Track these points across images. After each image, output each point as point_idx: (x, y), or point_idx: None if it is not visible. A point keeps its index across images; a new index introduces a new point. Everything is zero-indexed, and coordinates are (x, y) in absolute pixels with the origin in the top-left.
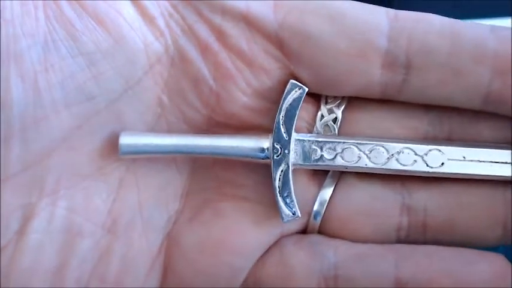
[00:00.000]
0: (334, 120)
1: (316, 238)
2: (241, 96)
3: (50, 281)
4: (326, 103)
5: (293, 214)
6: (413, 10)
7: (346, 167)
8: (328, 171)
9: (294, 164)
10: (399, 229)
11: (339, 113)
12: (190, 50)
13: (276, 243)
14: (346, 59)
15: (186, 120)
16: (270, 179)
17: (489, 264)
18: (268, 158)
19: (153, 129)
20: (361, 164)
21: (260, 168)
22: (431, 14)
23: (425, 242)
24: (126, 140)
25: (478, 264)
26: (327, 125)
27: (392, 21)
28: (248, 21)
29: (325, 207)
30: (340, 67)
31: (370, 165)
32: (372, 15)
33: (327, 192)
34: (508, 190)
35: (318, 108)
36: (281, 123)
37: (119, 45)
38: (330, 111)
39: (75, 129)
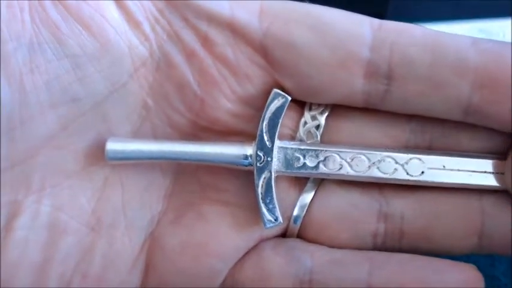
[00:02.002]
0: (317, 127)
1: (294, 243)
2: (225, 102)
3: (34, 276)
4: (310, 110)
5: (275, 220)
6: (414, 11)
7: (328, 175)
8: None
9: (276, 171)
10: (375, 235)
11: (322, 120)
12: (176, 55)
13: (255, 246)
14: (328, 69)
15: (171, 123)
16: (252, 185)
17: (460, 273)
18: (251, 165)
19: (138, 132)
20: (343, 171)
21: (242, 174)
22: (415, 25)
23: (401, 249)
24: (113, 145)
25: (449, 274)
26: (310, 131)
27: (376, 32)
28: (233, 29)
29: (304, 212)
30: (322, 76)
31: (352, 173)
32: (355, 25)
33: (307, 198)
34: (483, 199)
35: (302, 114)
36: (264, 131)
37: (104, 48)
38: (313, 118)
39: (60, 129)
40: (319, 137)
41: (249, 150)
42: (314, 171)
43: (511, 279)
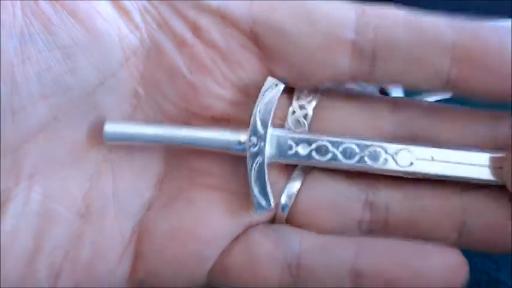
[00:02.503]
0: (305, 116)
1: (282, 228)
2: (217, 88)
3: (24, 263)
4: (298, 99)
5: (266, 205)
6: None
7: (320, 163)
8: (297, 164)
9: (269, 158)
10: (361, 223)
11: (309, 110)
12: (166, 43)
13: (244, 232)
14: (316, 52)
15: (162, 111)
16: (241, 170)
17: (445, 257)
18: (244, 150)
19: (130, 120)
20: (334, 160)
21: (232, 159)
22: (396, 9)
23: (386, 237)
24: (111, 127)
25: (434, 258)
26: (298, 120)
27: (360, 16)
28: (223, 16)
29: (292, 200)
30: (311, 59)
31: (343, 162)
32: (340, 10)
33: (295, 186)
34: (465, 194)
35: (290, 104)
36: (258, 117)
37: (94, 39)
38: (301, 108)
39: (52, 119)
40: (307, 126)
41: (243, 136)
42: (306, 159)
43: None
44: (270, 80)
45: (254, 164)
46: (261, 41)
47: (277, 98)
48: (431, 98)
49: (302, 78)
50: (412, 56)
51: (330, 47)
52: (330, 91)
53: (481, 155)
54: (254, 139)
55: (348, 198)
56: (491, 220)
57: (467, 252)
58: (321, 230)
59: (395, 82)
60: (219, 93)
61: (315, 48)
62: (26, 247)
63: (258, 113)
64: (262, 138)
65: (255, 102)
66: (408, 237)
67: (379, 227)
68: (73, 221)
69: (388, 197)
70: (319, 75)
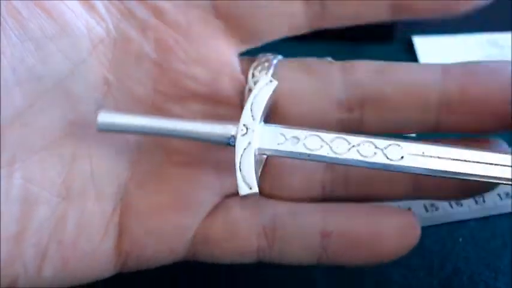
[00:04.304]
0: None
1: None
2: (183, 66)
3: (10, 245)
4: (253, 77)
5: (252, 192)
6: (422, 23)
7: (309, 155)
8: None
9: (258, 149)
10: (324, 184)
11: None
12: (131, 30)
13: (222, 203)
14: (271, 6)
15: (133, 95)
16: (212, 147)
17: (400, 217)
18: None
19: (102, 106)
20: (322, 152)
21: None
22: None
23: (348, 197)
24: (104, 117)
25: (389, 217)
26: None
27: None
28: None
29: (260, 169)
30: (268, 15)
31: (332, 154)
32: None
33: (263, 157)
34: None
35: (246, 82)
36: (249, 108)
37: (63, 30)
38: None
39: (27, 107)
40: None
41: (234, 129)
42: (294, 150)
43: None
44: (265, 79)
45: (241, 150)
46: (220, 13)
47: (270, 92)
48: None
49: (263, 33)
50: None
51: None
52: (282, 62)
53: (464, 151)
54: (244, 129)
55: (309, 162)
56: None
57: (465, 261)
58: (289, 193)
59: (345, 20)
60: (185, 71)
61: (269, 3)
62: (12, 230)
63: (250, 106)
64: (252, 129)
65: (223, 77)
66: (368, 193)
67: (341, 187)
68: (55, 203)
69: None
70: (278, 27)
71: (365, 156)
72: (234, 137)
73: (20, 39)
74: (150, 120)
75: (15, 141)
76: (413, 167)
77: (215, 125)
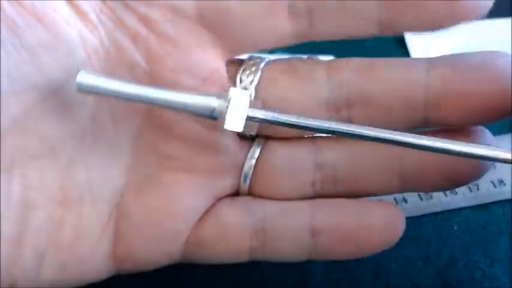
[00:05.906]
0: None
1: (246, 198)
2: (170, 74)
3: (10, 249)
4: (241, 82)
5: (236, 127)
6: None
7: (296, 122)
8: (255, 138)
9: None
10: (314, 183)
11: (252, 90)
12: (123, 39)
13: (213, 206)
14: (258, 21)
15: (126, 103)
16: (205, 152)
17: (384, 209)
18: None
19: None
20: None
21: (195, 144)
22: None
23: (338, 193)
24: (84, 77)
25: (375, 211)
26: None
27: None
28: (170, 6)
29: (251, 170)
30: (254, 28)
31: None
32: None
33: (253, 157)
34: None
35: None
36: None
37: (58, 39)
38: (245, 89)
39: (24, 115)
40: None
41: (216, 102)
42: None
43: (509, 278)
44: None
45: (237, 94)
46: (207, 23)
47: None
48: None
49: (250, 47)
50: (343, 7)
51: (269, 14)
52: (269, 65)
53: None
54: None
55: (300, 163)
56: (427, 162)
57: (461, 249)
58: (279, 193)
59: (333, 35)
60: (174, 80)
61: (255, 18)
62: (11, 234)
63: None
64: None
65: (211, 86)
66: (357, 190)
67: (330, 185)
68: (53, 208)
69: (333, 156)
70: (264, 40)
71: (356, 126)
72: (215, 110)
73: (15, 48)
74: (131, 86)
75: (13, 148)
76: (404, 141)
77: (199, 96)
